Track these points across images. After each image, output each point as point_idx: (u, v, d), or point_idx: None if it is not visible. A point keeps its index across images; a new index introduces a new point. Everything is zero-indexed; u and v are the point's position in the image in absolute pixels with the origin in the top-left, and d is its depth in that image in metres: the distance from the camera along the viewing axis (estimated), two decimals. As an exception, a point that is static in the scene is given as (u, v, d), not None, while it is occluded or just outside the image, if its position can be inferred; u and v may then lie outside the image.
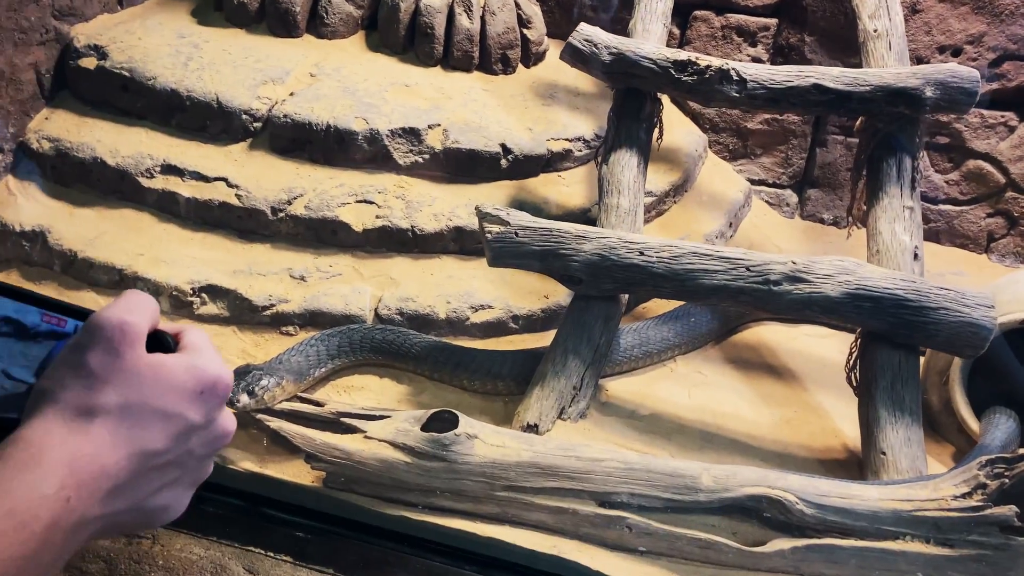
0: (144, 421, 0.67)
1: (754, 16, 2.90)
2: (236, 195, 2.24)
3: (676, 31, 2.94)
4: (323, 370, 1.93)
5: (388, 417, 1.70)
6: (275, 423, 1.70)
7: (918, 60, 2.75)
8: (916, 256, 2.03)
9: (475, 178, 2.37)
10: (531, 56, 2.71)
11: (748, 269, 1.87)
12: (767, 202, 3.05)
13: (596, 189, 2.27)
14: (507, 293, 2.21)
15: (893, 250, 2.02)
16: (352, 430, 1.69)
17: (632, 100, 2.28)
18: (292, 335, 2.08)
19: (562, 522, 1.61)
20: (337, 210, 2.22)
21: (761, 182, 3.04)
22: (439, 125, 2.36)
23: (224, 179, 2.26)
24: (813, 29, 2.87)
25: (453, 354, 2.01)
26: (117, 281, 2.14)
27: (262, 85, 2.40)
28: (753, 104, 2.19)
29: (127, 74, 2.39)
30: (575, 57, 2.25)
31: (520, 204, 2.32)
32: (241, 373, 1.73)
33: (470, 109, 2.45)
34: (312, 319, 2.09)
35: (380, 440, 1.65)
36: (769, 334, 2.41)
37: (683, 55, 2.19)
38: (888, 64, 2.25)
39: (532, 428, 1.85)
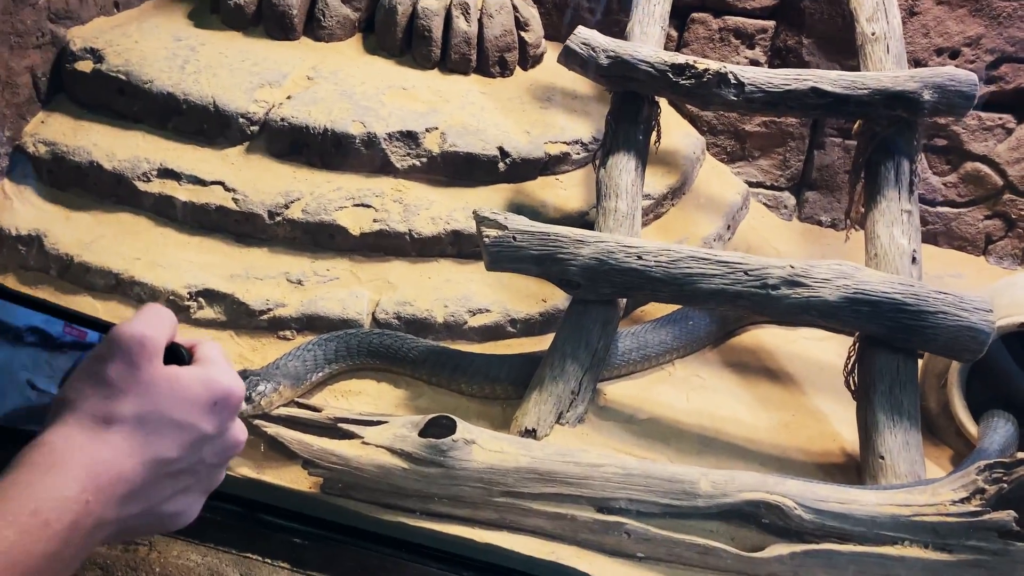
0: (159, 430, 0.71)
1: (752, 18, 2.90)
2: (233, 199, 2.23)
3: (674, 33, 2.93)
4: (320, 375, 1.92)
5: (385, 422, 1.69)
6: (272, 429, 1.70)
7: (916, 62, 2.75)
8: (914, 260, 2.02)
9: (473, 181, 2.37)
10: (528, 59, 2.71)
11: (746, 273, 1.87)
12: (765, 204, 3.04)
13: (594, 192, 2.27)
14: (505, 297, 2.21)
15: (891, 254, 2.02)
16: (349, 435, 1.68)
17: (630, 103, 2.27)
18: (289, 339, 2.08)
19: (560, 528, 1.61)
20: (334, 214, 2.21)
21: (759, 184, 3.04)
22: (436, 128, 2.36)
23: (221, 183, 2.26)
24: (811, 31, 2.87)
25: (451, 358, 2.01)
26: (114, 285, 2.14)
27: (259, 88, 2.40)
28: (751, 108, 2.19)
29: (123, 77, 2.38)
30: (572, 60, 2.25)
31: (518, 207, 2.31)
32: (238, 378, 1.72)
33: (468, 112, 2.45)
34: (309, 323, 2.08)
35: (377, 446, 1.64)
36: (767, 337, 2.40)
37: (681, 59, 2.18)
38: (886, 67, 2.24)
39: (530, 433, 1.84)
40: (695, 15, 2.93)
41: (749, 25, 2.90)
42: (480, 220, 1.93)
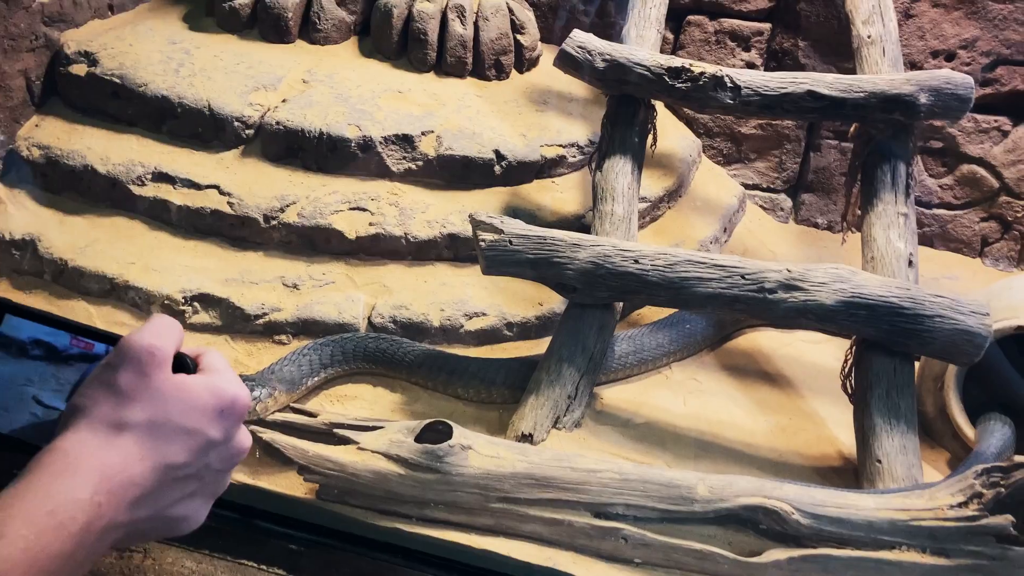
0: (168, 436, 0.73)
1: (748, 21, 2.90)
2: (228, 203, 2.22)
3: (669, 36, 2.93)
4: (316, 380, 1.91)
5: (381, 428, 1.69)
6: (267, 434, 1.69)
7: (911, 65, 2.76)
8: (911, 263, 2.02)
9: (469, 185, 2.36)
10: (525, 62, 2.70)
11: (743, 277, 1.86)
12: (761, 207, 3.04)
13: (590, 195, 2.26)
14: (501, 300, 2.20)
15: (888, 257, 2.02)
16: (345, 441, 1.67)
17: (626, 106, 2.27)
18: (285, 344, 2.06)
19: (557, 534, 1.60)
20: (330, 217, 2.21)
21: (755, 187, 3.04)
22: (432, 132, 2.35)
23: (216, 186, 2.25)
24: (807, 34, 2.87)
25: (447, 362, 2.00)
26: (108, 290, 2.13)
27: (254, 92, 2.39)
28: (747, 111, 2.19)
29: (118, 81, 2.37)
30: (568, 64, 2.24)
31: (514, 211, 2.31)
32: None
33: (464, 115, 2.44)
34: (305, 328, 2.07)
35: (373, 452, 1.63)
36: (764, 340, 2.40)
37: (677, 62, 2.18)
38: (882, 70, 2.24)
39: (527, 438, 1.84)
40: (691, 17, 2.93)
41: (745, 28, 2.90)
42: (476, 224, 1.92)
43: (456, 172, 2.35)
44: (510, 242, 1.90)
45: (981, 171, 2.86)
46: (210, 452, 0.76)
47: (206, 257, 2.19)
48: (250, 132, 2.34)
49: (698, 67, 2.16)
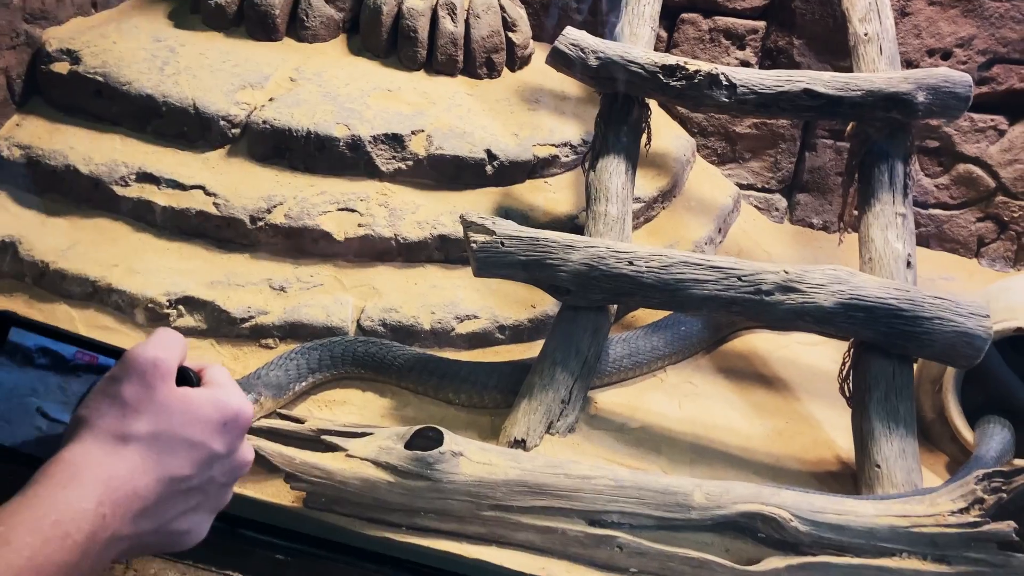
0: (173, 448, 0.74)
1: (742, 19, 2.87)
2: (214, 203, 2.18)
3: (663, 34, 2.90)
4: (303, 384, 1.88)
5: (370, 434, 1.65)
6: (253, 441, 1.64)
7: (907, 64, 2.73)
8: (909, 264, 1.99)
9: (460, 185, 2.33)
10: (516, 60, 2.67)
11: (740, 279, 1.83)
12: (756, 207, 3.02)
13: (583, 196, 2.23)
14: (493, 303, 2.16)
15: (886, 258, 1.99)
16: (333, 448, 1.64)
17: (619, 105, 2.23)
18: (272, 348, 2.03)
19: (550, 542, 1.57)
20: (318, 218, 2.16)
21: (750, 187, 3.01)
22: (423, 131, 2.31)
23: (201, 187, 2.20)
24: (802, 32, 2.84)
25: (438, 366, 1.96)
26: (90, 293, 2.08)
27: (240, 90, 2.34)
28: (743, 109, 2.16)
29: (101, 79, 2.32)
30: (561, 62, 2.20)
31: (506, 211, 2.27)
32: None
33: (454, 114, 2.40)
34: (292, 331, 2.03)
35: (362, 459, 1.59)
36: (760, 342, 2.37)
37: (671, 60, 2.14)
38: (879, 68, 2.21)
39: (519, 444, 1.80)
40: (685, 15, 2.90)
41: (740, 26, 2.87)
42: (467, 225, 1.89)
43: (447, 172, 2.31)
44: (502, 243, 1.86)
45: (977, 171, 2.84)
46: (213, 465, 0.77)
47: (191, 259, 2.15)
48: (236, 131, 2.30)
49: (693, 65, 2.12)
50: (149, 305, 2.04)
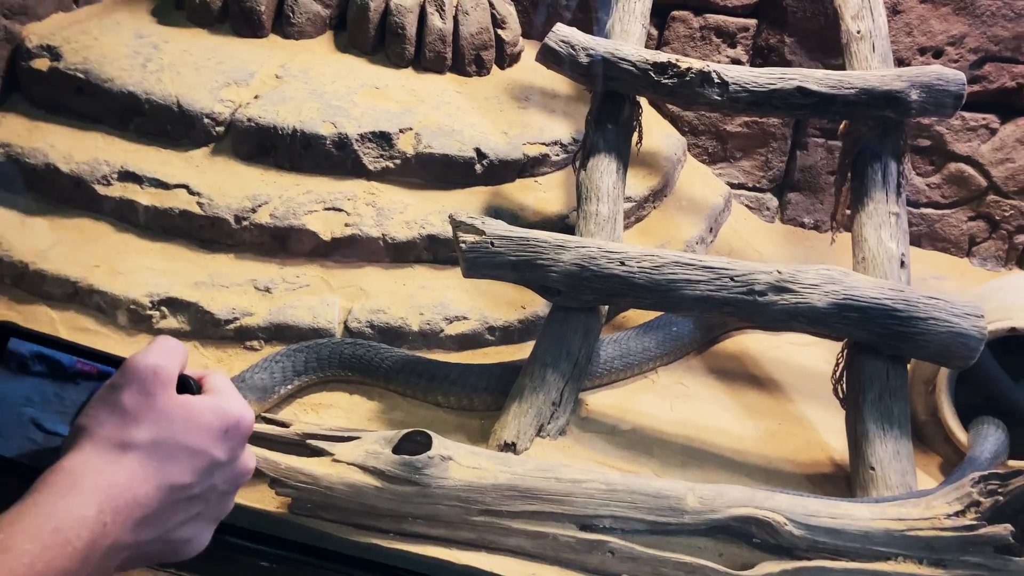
0: (174, 456, 0.74)
1: (733, 16, 2.85)
2: (198, 203, 2.14)
3: (654, 32, 2.88)
4: (289, 388, 1.85)
5: (357, 438, 1.62)
6: (238, 446, 1.61)
7: (899, 62, 2.71)
8: (903, 264, 1.98)
9: (449, 184, 2.30)
10: (506, 57, 2.63)
11: (732, 279, 1.81)
12: (747, 206, 3.00)
13: (574, 195, 2.21)
14: (483, 304, 2.14)
15: (879, 257, 1.97)
16: (319, 452, 1.61)
17: (610, 103, 2.21)
18: (257, 350, 1.99)
19: (541, 547, 1.54)
20: (304, 218, 2.13)
21: (741, 186, 2.99)
22: (411, 129, 2.28)
23: (185, 186, 2.16)
24: (793, 30, 2.82)
25: (426, 368, 1.94)
26: (71, 294, 2.04)
27: (225, 87, 2.31)
28: (735, 108, 2.13)
29: (82, 76, 2.28)
30: (551, 59, 2.18)
31: (496, 211, 2.24)
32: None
33: (443, 112, 2.37)
34: (278, 333, 2.00)
35: (349, 463, 1.56)
36: (751, 343, 2.35)
37: (663, 57, 2.12)
38: (872, 66, 2.20)
39: (510, 447, 1.78)
40: (675, 13, 2.87)
41: (730, 23, 2.85)
42: (456, 225, 1.86)
43: (435, 171, 2.28)
44: (492, 243, 1.83)
45: (969, 170, 2.83)
46: (215, 473, 0.76)
47: (174, 259, 2.11)
48: (220, 129, 2.26)
49: (685, 62, 2.10)
50: (131, 306, 2.00)
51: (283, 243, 2.14)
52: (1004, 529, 1.48)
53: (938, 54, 2.73)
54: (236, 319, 2.00)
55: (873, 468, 1.77)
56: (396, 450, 1.57)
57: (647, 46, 2.51)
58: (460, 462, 1.57)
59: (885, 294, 1.78)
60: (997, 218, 2.85)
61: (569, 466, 1.63)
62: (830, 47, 2.57)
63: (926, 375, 2.03)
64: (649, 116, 2.70)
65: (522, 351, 2.01)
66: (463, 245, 1.83)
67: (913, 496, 1.65)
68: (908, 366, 1.93)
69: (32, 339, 0.79)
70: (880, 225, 2.02)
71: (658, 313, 2.18)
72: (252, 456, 0.81)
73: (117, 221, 2.18)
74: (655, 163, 2.61)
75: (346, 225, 2.15)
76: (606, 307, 2.03)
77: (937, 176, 2.86)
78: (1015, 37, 2.68)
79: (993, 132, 2.78)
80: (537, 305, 2.13)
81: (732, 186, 2.95)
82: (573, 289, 1.85)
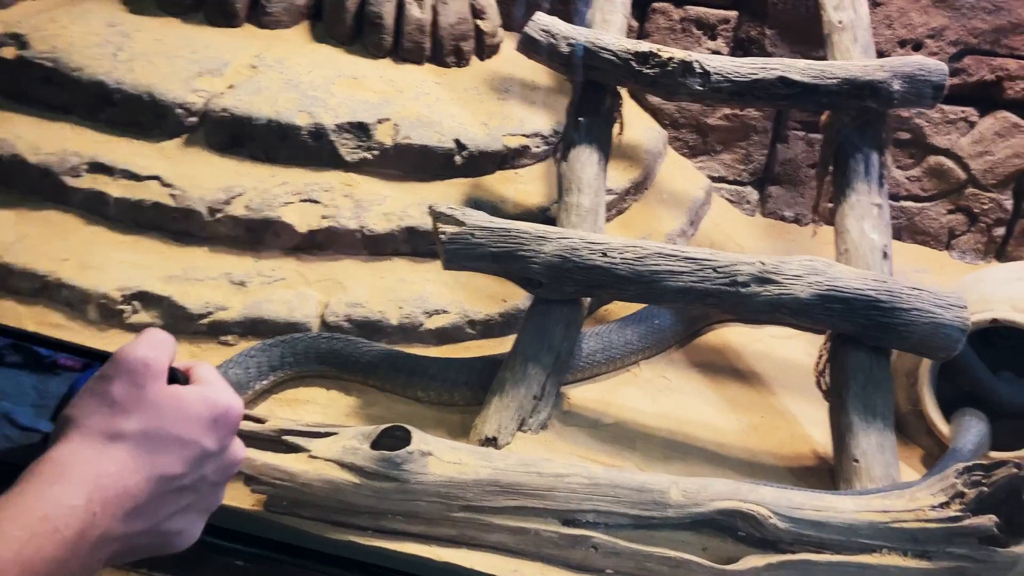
0: (163, 447, 0.73)
1: (714, 8, 2.84)
2: (170, 195, 2.09)
3: (634, 23, 2.86)
4: (265, 383, 1.81)
5: (335, 434, 1.58)
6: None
7: (879, 54, 2.70)
8: (885, 255, 1.97)
9: (428, 175, 2.26)
10: (485, 48, 2.60)
11: (715, 270, 1.79)
12: (728, 200, 2.99)
13: (555, 187, 2.18)
14: (463, 297, 2.11)
15: (862, 249, 1.96)
16: (295, 449, 1.57)
17: (591, 94, 2.18)
18: (232, 345, 1.95)
19: (523, 543, 1.51)
20: (280, 210, 2.09)
21: (721, 179, 2.98)
22: (389, 119, 2.24)
23: (157, 177, 2.11)
24: (774, 22, 2.81)
25: (406, 363, 1.90)
26: (39, 289, 1.99)
27: (198, 77, 2.26)
28: (717, 98, 2.12)
29: (50, 65, 2.22)
30: (531, 48, 2.15)
31: (476, 203, 2.22)
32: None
33: (422, 103, 2.34)
34: (253, 327, 1.96)
35: (326, 460, 1.53)
36: (733, 336, 2.34)
37: (645, 46, 2.10)
38: (854, 57, 2.19)
39: (491, 442, 1.75)
40: (656, 4, 2.86)
41: (711, 15, 2.84)
42: (436, 216, 1.83)
43: (414, 162, 2.24)
44: (472, 235, 1.80)
45: (948, 162, 2.84)
46: (205, 463, 0.76)
47: (146, 253, 2.06)
48: (194, 120, 2.21)
49: (666, 52, 2.08)
50: (102, 301, 1.95)
51: (258, 235, 2.10)
52: (988, 520, 1.47)
53: (918, 47, 2.74)
54: (210, 313, 1.96)
55: (857, 460, 1.76)
56: (375, 446, 1.54)
57: (628, 38, 2.48)
58: (440, 457, 1.54)
59: (868, 285, 1.77)
60: (976, 211, 2.86)
61: (551, 460, 1.61)
62: (811, 39, 2.56)
63: (907, 368, 2.03)
64: (630, 109, 2.68)
65: (503, 345, 1.98)
66: (443, 236, 1.80)
67: (897, 488, 1.64)
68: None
69: (10, 335, 0.77)
70: (862, 216, 2.01)
71: (640, 306, 2.16)
72: (242, 446, 0.81)
73: (87, 214, 2.13)
74: (636, 156, 2.59)
75: (323, 217, 2.11)
76: (588, 299, 2.01)
77: (917, 169, 2.87)
78: (994, 30, 2.69)
79: (972, 125, 2.79)
80: (518, 298, 2.10)
81: (713, 179, 2.95)
82: (555, 281, 1.83)
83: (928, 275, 2.71)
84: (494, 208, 2.21)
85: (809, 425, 2.02)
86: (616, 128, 2.23)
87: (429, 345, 2.05)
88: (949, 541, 1.48)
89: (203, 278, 2.02)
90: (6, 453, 0.76)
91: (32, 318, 1.98)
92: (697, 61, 2.06)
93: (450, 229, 1.81)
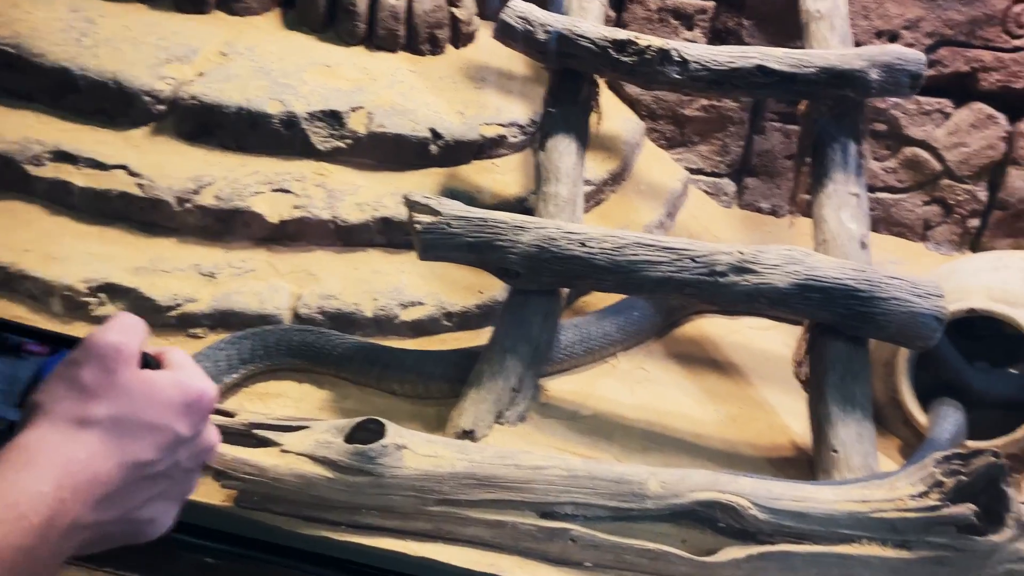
0: (135, 433, 0.71)
1: (691, -2, 2.82)
2: (137, 184, 2.04)
3: (612, 13, 2.83)
4: (235, 376, 1.77)
5: (307, 428, 1.55)
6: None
7: (856, 45, 2.71)
8: (863, 245, 1.97)
9: (402, 165, 2.23)
10: (460, 36, 2.57)
11: (693, 260, 1.78)
12: (705, 191, 2.98)
13: (532, 177, 2.16)
14: (439, 288, 2.08)
15: (840, 238, 1.96)
16: (267, 443, 1.53)
17: (568, 82, 2.16)
18: (201, 338, 1.91)
19: (501, 536, 1.49)
20: (250, 200, 2.05)
21: (698, 171, 2.97)
22: (362, 108, 2.21)
23: (124, 167, 2.06)
24: (751, 12, 2.81)
25: (380, 356, 1.87)
26: (1, 281, 1.93)
27: (166, 64, 2.20)
28: (695, 87, 2.10)
29: (11, 50, 2.16)
30: (508, 35, 2.13)
31: (452, 193, 2.18)
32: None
33: (396, 91, 2.30)
34: (223, 320, 1.92)
35: (298, 454, 1.49)
36: (711, 327, 2.34)
37: (622, 34, 2.08)
38: (831, 46, 2.18)
39: (467, 434, 1.73)
40: (633, -6, 2.84)
41: (688, 5, 2.82)
42: (411, 205, 1.79)
43: (389, 151, 2.21)
44: (448, 224, 1.77)
45: (924, 154, 2.85)
46: (178, 449, 0.74)
47: (113, 244, 2.01)
48: (162, 108, 2.16)
49: (644, 40, 2.06)
50: (66, 293, 1.90)
51: (228, 226, 2.05)
52: (967, 509, 1.47)
53: (894, 38, 2.74)
54: (179, 305, 1.92)
55: (835, 451, 1.75)
56: (348, 439, 1.51)
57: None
58: (415, 450, 1.51)
59: (847, 274, 1.77)
60: (951, 202, 2.88)
61: (529, 452, 1.59)
62: (789, 30, 2.55)
63: (884, 358, 2.03)
64: (607, 100, 2.67)
65: (480, 337, 1.96)
66: (418, 226, 1.77)
67: (876, 478, 1.63)
68: (868, 348, 1.92)
69: None
70: (840, 206, 2.00)
71: (618, 298, 2.15)
72: (216, 432, 0.79)
73: (50, 203, 2.07)
74: (614, 147, 2.57)
75: (295, 207, 2.07)
76: (566, 290, 1.99)
77: (893, 160, 2.87)
78: (970, 21, 2.70)
79: (947, 116, 2.80)
80: (496, 289, 2.07)
81: (690, 171, 2.94)
82: (533, 271, 1.81)
83: (904, 266, 2.72)
84: (471, 198, 2.18)
85: (787, 415, 2.02)
86: (594, 118, 2.21)
87: (405, 338, 2.02)
88: (928, 530, 1.48)
89: (171, 269, 1.98)
90: None
91: (-5, 310, 1.92)
92: (675, 49, 2.05)
93: (426, 219, 1.78)
